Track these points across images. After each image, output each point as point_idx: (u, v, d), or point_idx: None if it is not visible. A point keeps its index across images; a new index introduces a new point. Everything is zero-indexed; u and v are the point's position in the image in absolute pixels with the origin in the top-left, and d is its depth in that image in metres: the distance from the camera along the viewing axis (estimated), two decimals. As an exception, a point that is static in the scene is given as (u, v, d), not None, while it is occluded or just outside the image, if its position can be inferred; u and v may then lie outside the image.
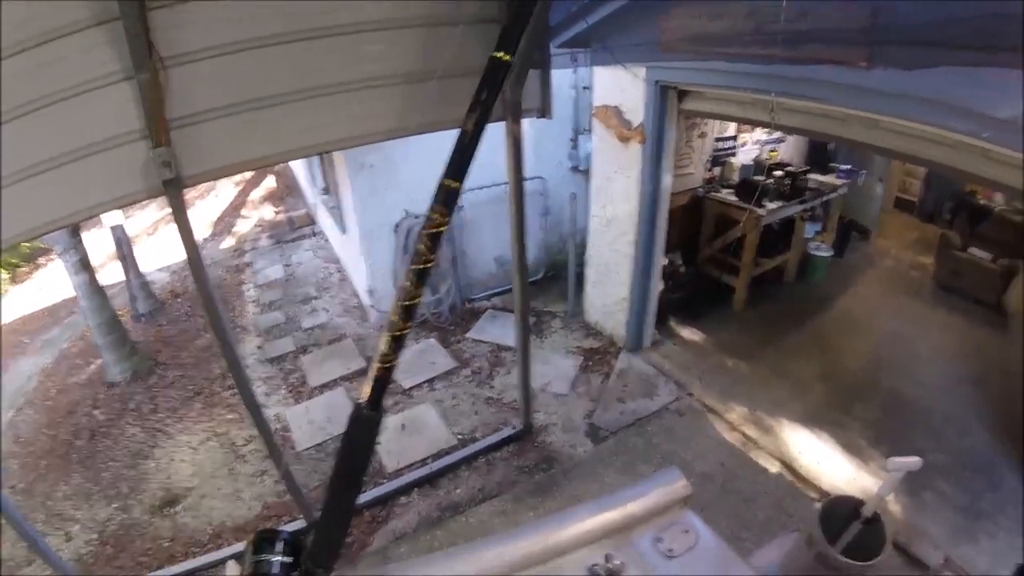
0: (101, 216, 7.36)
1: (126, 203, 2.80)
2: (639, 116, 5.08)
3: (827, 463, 4.79)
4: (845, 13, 3.15)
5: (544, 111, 3.91)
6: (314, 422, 5.45)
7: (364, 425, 1.01)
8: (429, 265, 2.04)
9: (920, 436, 5.15)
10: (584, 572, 1.40)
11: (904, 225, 9.29)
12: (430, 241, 2.08)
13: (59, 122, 2.43)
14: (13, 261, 10.92)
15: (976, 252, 7.35)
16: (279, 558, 1.21)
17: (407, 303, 1.98)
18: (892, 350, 6.26)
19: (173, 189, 2.73)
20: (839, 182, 7.28)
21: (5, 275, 10.53)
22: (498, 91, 2.36)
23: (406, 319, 1.95)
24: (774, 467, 4.77)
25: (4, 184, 2.41)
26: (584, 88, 6.60)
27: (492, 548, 1.44)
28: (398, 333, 1.87)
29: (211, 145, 2.77)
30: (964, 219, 8.16)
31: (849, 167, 7.77)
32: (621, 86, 5.16)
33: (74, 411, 6.15)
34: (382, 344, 1.79)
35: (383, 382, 1.03)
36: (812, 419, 5.23)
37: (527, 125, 6.09)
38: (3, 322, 8.89)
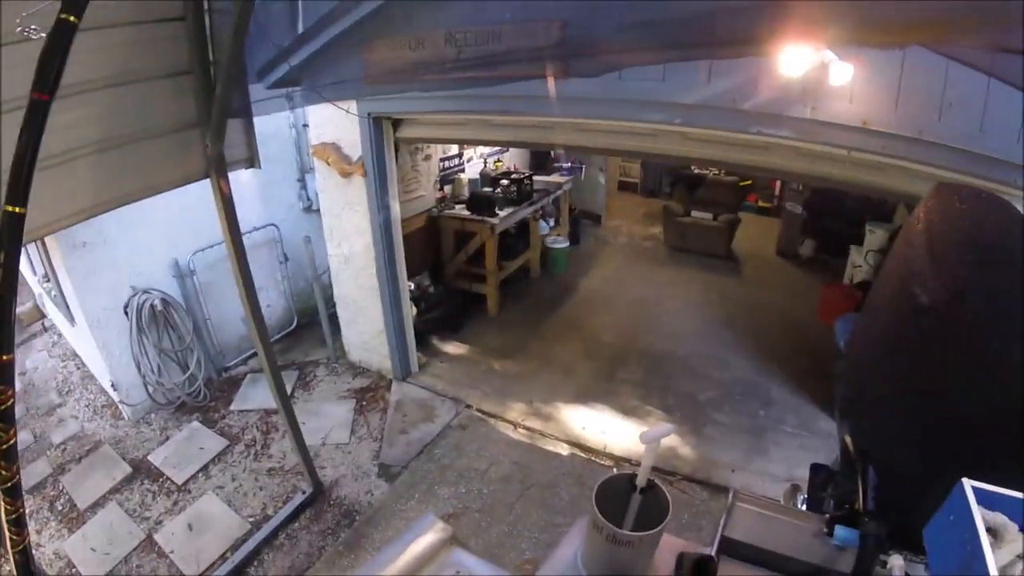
0: None
1: None
2: (358, 150, 5.10)
3: (611, 431, 5.22)
4: (535, 31, 3.40)
5: (252, 161, 3.72)
6: (96, 549, 4.89)
7: None
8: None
9: (686, 381, 5.75)
10: None
11: (630, 204, 10.34)
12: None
13: None
14: None
15: (698, 214, 8.41)
16: None
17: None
18: (642, 315, 6.94)
19: None
20: (563, 179, 7.95)
21: None
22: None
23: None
24: (565, 450, 5.08)
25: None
26: (304, 126, 6.46)
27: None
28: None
29: None
30: (682, 189, 9.33)
31: (570, 164, 8.52)
32: (336, 121, 5.13)
33: None
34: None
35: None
36: (586, 395, 5.63)
37: (248, 174, 5.95)
38: None
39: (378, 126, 4.96)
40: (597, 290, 7.58)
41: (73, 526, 5.18)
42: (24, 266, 9.51)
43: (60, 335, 8.39)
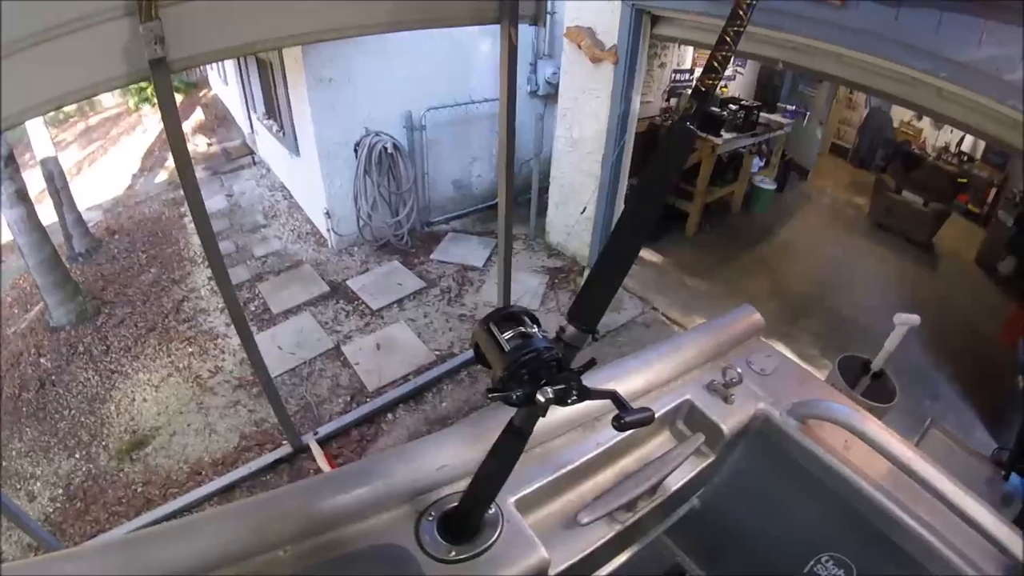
0: (33, 150, 6.80)
1: (106, 88, 2.33)
2: (613, 38, 4.95)
3: (786, 366, 4.96)
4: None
5: (537, 18, 3.58)
6: (283, 348, 5.10)
7: (680, 137, 0.74)
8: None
9: (863, 348, 5.40)
10: (702, 388, 1.58)
11: (838, 168, 9.69)
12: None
13: None
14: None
15: (909, 196, 7.76)
16: (533, 328, 0.88)
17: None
18: (831, 274, 6.52)
19: (160, 71, 2.32)
20: (785, 121, 7.50)
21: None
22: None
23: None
24: (739, 371, 4.90)
25: None
26: (548, 13, 6.46)
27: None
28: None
29: (202, 26, 2.38)
30: (898, 165, 8.63)
31: (795, 108, 8.04)
32: (595, 7, 5.01)
33: (17, 363, 5.57)
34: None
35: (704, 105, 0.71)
36: (766, 331, 5.41)
37: (487, 50, 5.99)
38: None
39: (638, 18, 4.77)
40: (792, 240, 7.19)
41: (263, 326, 5.41)
42: (237, 105, 10.13)
43: (269, 170, 8.81)
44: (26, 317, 6.33)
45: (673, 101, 6.85)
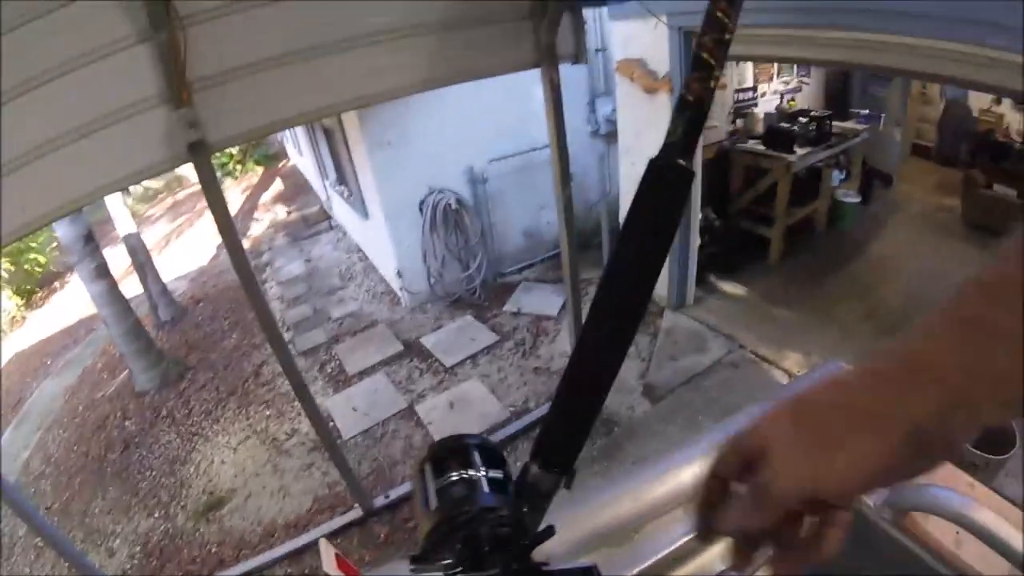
0: (116, 228, 7.08)
1: (150, 174, 2.44)
2: (664, 66, 4.77)
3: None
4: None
5: (578, 56, 3.52)
6: (358, 409, 5.06)
7: (660, 176, 0.39)
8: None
9: None
10: None
11: (922, 170, 9.02)
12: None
13: (72, 94, 2.12)
14: (27, 287, 10.66)
15: (1001, 189, 7.12)
16: (483, 472, 0.58)
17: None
18: (930, 287, 5.99)
19: (200, 153, 2.40)
20: (860, 127, 7.02)
21: (18, 301, 10.27)
22: None
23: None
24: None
25: (17, 164, 2.10)
26: (598, 51, 6.26)
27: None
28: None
29: (237, 106, 2.44)
30: (985, 158, 7.95)
31: (867, 113, 7.54)
32: (642, 37, 4.85)
33: (104, 425, 5.78)
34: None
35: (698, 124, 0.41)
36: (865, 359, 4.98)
37: (541, 90, 5.86)
38: (21, 347, 8.62)
39: (687, 41, 4.58)
40: (885, 254, 6.68)
41: (339, 387, 5.42)
42: (312, 173, 10.50)
43: (345, 234, 8.97)
44: (113, 382, 6.55)
45: (740, 122, 6.50)
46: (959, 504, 0.97)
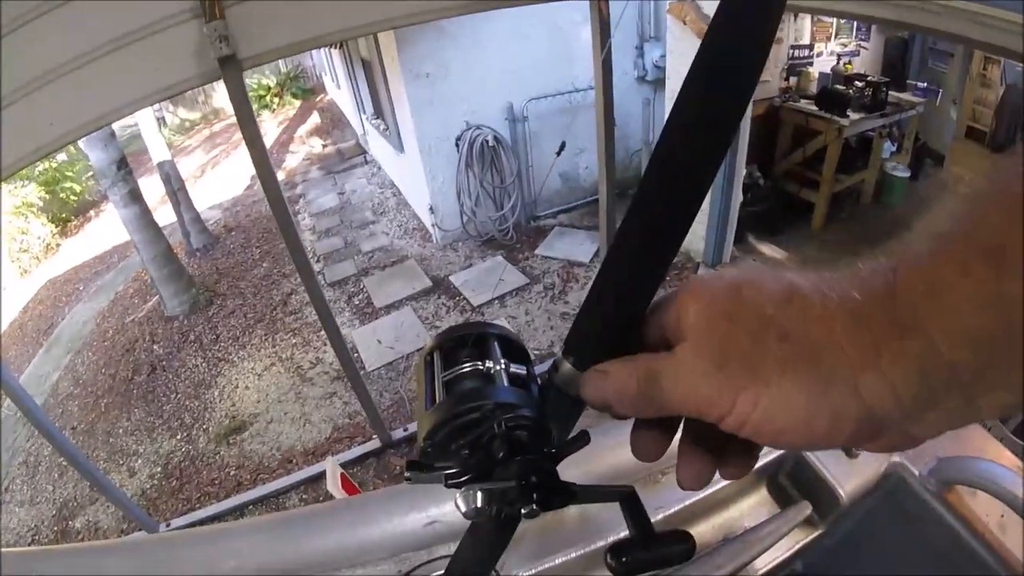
0: (151, 157, 7.05)
1: (180, 89, 2.37)
2: (716, 9, 4.60)
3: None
4: None
5: None
6: (383, 342, 5.02)
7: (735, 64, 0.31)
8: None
9: None
10: None
11: (976, 155, 8.67)
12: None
13: (104, 7, 2.06)
14: (62, 215, 10.75)
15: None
16: (503, 365, 0.43)
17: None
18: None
19: (231, 69, 2.30)
20: (916, 100, 6.71)
21: (53, 228, 10.35)
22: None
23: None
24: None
25: (46, 80, 2.06)
26: (650, -9, 6.02)
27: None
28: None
29: (270, 22, 2.34)
30: (1042, 151, 7.59)
31: (926, 85, 7.21)
32: None
33: (132, 348, 5.82)
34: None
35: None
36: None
37: (587, 31, 5.67)
38: (55, 274, 8.75)
39: None
40: (933, 234, 6.44)
41: (366, 320, 5.39)
42: (349, 107, 10.35)
43: (379, 168, 8.88)
44: (143, 307, 6.58)
45: (792, 80, 6.24)
46: (1010, 483, 0.83)
